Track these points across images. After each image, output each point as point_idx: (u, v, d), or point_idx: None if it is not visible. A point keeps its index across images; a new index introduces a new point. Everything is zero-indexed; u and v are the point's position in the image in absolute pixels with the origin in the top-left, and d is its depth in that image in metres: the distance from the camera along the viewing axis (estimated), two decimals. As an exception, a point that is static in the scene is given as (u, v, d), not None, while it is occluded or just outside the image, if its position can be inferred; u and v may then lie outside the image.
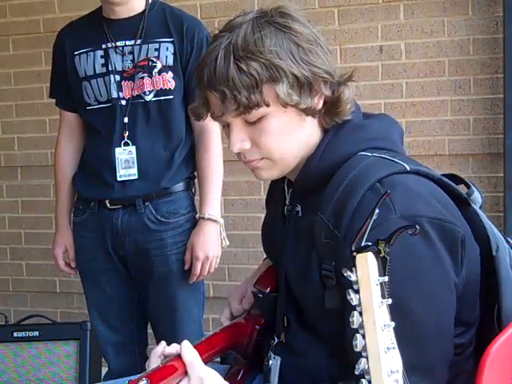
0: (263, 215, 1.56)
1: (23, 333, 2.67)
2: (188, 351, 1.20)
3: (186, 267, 2.20)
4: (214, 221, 2.20)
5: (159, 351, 1.27)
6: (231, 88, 1.17)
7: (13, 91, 3.53)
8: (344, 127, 1.28)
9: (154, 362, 1.26)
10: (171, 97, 2.16)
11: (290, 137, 1.24)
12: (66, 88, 2.26)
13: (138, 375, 1.20)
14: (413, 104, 3.02)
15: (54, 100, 2.39)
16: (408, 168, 1.19)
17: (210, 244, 2.18)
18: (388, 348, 0.86)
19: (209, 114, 1.30)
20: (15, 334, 2.67)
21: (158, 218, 2.19)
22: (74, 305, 3.52)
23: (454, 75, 2.95)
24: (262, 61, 1.17)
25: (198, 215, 2.22)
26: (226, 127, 1.27)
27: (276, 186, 1.46)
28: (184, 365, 1.19)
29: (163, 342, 1.29)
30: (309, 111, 1.23)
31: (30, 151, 3.52)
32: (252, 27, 1.19)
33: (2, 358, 2.68)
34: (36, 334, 2.66)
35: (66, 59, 2.23)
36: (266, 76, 1.17)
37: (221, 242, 2.23)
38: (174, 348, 1.27)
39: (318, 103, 1.24)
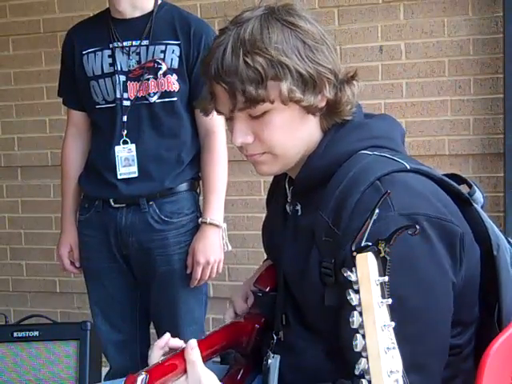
0: (263, 215, 1.56)
1: (23, 333, 2.67)
2: (193, 351, 1.20)
3: (188, 271, 2.20)
4: (216, 225, 2.19)
5: (162, 343, 1.28)
6: (239, 81, 1.18)
7: (13, 91, 3.52)
8: (345, 126, 1.28)
9: (156, 353, 1.27)
10: (175, 99, 2.17)
11: (292, 133, 1.25)
12: (74, 87, 2.27)
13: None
14: (413, 104, 3.01)
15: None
16: (408, 167, 1.20)
17: (212, 249, 2.18)
18: (388, 348, 0.86)
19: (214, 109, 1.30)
20: (15, 334, 2.67)
21: (162, 217, 2.19)
22: (74, 305, 3.52)
23: (454, 75, 2.95)
24: (267, 57, 1.18)
25: (200, 219, 2.21)
26: (229, 121, 1.28)
27: (277, 186, 1.46)
28: (184, 363, 1.19)
29: (167, 334, 1.30)
30: (311, 109, 1.23)
31: (30, 151, 3.52)
32: (260, 23, 1.21)
33: (2, 358, 2.68)
34: (36, 334, 2.66)
35: (75, 58, 2.24)
36: (271, 73, 1.18)
37: (223, 246, 2.22)
38: (179, 342, 1.27)
39: (321, 101, 1.24)
